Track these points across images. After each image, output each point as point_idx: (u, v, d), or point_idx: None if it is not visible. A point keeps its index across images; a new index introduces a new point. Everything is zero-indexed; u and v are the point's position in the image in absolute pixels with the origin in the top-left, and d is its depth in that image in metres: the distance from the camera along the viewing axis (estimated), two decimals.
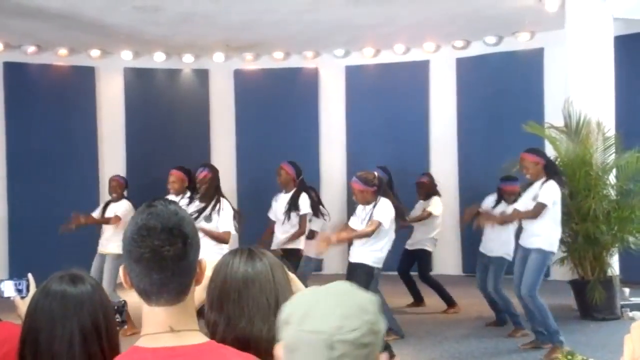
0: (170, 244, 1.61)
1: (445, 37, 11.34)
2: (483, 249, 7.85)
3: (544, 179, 6.80)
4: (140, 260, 1.61)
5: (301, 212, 7.72)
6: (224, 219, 6.83)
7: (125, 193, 8.40)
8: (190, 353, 1.61)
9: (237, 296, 1.97)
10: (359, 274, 6.56)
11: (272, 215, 7.92)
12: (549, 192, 6.76)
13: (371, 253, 6.62)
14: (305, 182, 8.06)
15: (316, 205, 8.14)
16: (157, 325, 1.63)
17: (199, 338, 1.67)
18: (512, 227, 7.59)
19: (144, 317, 1.67)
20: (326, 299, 1.32)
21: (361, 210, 6.75)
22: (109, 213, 8.22)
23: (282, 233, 7.72)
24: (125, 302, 2.31)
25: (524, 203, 6.98)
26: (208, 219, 6.79)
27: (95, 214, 8.31)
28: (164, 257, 1.60)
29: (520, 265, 7.01)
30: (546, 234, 6.86)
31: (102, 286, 2.18)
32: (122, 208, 8.20)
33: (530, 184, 6.99)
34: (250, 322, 1.94)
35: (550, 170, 6.93)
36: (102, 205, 8.45)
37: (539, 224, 6.85)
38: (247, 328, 1.94)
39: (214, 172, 7.17)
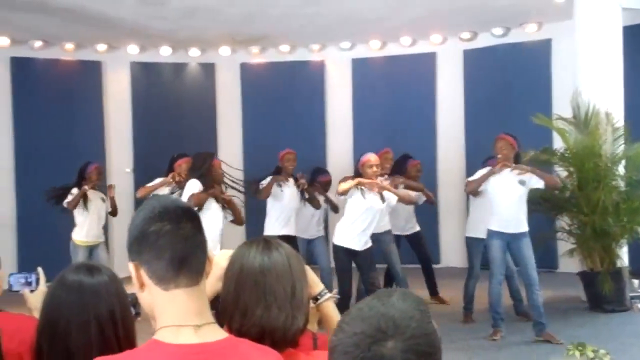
0: (185, 220, 1.64)
1: (452, 28, 11.29)
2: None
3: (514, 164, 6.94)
4: (159, 233, 1.61)
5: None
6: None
7: None
8: (212, 351, 1.59)
9: (254, 284, 1.95)
10: (371, 256, 7.28)
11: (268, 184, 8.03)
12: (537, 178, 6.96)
13: None
14: None
15: None
16: (178, 314, 1.61)
17: (219, 333, 1.66)
18: None
19: (161, 307, 1.64)
20: None
21: (372, 195, 7.08)
22: (95, 200, 8.32)
23: (287, 221, 8.02)
24: None
25: (505, 185, 6.93)
26: None
27: (72, 202, 8.27)
28: (185, 230, 1.63)
29: (503, 252, 7.00)
30: (526, 217, 6.99)
31: (118, 277, 2.17)
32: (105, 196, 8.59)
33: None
34: (267, 311, 1.92)
35: (518, 160, 7.07)
36: (78, 194, 8.26)
37: (524, 209, 6.96)
38: (264, 316, 1.92)
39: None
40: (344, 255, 7.11)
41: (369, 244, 7.17)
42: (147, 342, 1.63)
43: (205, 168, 6.70)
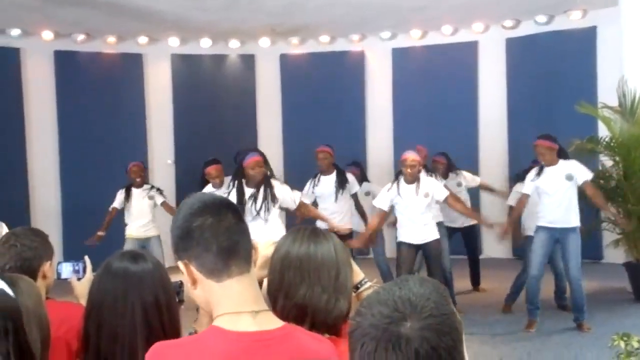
0: (225, 211, 1.67)
1: (494, 16, 11.15)
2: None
3: (559, 160, 6.86)
4: (203, 227, 1.63)
5: (353, 191, 8.15)
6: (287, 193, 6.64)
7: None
8: (270, 339, 1.62)
9: (299, 265, 1.98)
10: (438, 248, 7.19)
11: (307, 199, 7.82)
12: (585, 169, 6.89)
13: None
14: None
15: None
16: (234, 302, 1.63)
17: (275, 321, 1.68)
18: None
19: (216, 298, 1.66)
20: None
21: (410, 189, 7.03)
22: (138, 198, 8.56)
23: (330, 214, 7.83)
24: (182, 282, 2.33)
25: (552, 183, 6.84)
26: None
27: (118, 203, 8.60)
28: (227, 220, 1.65)
29: (546, 247, 6.93)
30: (577, 211, 6.89)
31: (162, 264, 2.20)
32: (156, 191, 8.71)
33: (540, 169, 6.95)
34: (310, 289, 1.95)
35: (563, 155, 6.96)
36: (122, 193, 8.61)
37: (574, 203, 6.86)
38: (307, 296, 1.95)
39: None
40: (405, 249, 7.16)
41: (433, 236, 7.12)
42: (208, 328, 1.65)
43: (239, 172, 6.46)
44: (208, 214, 1.64)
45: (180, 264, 1.68)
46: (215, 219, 1.64)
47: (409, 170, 6.98)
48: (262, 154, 6.62)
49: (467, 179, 8.96)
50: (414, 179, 7.02)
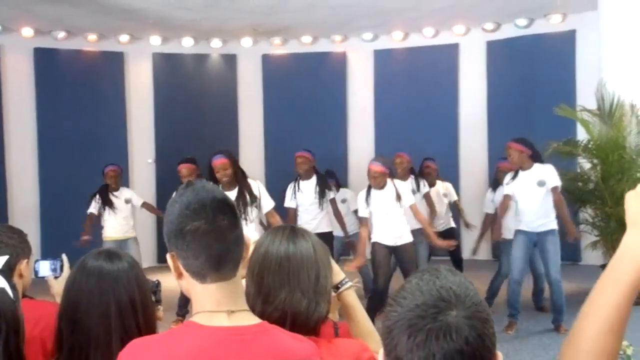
0: (222, 215, 1.62)
1: (475, 19, 11.21)
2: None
3: (533, 165, 6.88)
4: (196, 233, 1.59)
5: (331, 196, 7.96)
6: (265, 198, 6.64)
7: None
8: (245, 334, 1.61)
9: (278, 267, 1.95)
10: (412, 251, 7.17)
11: (293, 204, 7.83)
12: (556, 175, 6.89)
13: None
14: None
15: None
16: (213, 303, 1.62)
17: (252, 319, 1.67)
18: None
19: (197, 296, 1.65)
20: None
21: (380, 195, 7.07)
22: (119, 201, 8.50)
23: (312, 218, 7.76)
24: (159, 282, 2.31)
25: (524, 188, 6.90)
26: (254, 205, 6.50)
27: (94, 208, 8.43)
28: (221, 227, 1.60)
29: (524, 251, 6.96)
30: (554, 215, 6.92)
31: (138, 263, 2.18)
32: (133, 194, 8.73)
33: (516, 172, 7.01)
34: (290, 294, 1.92)
35: (538, 159, 6.97)
36: (97, 198, 8.43)
37: (550, 206, 6.88)
38: (287, 300, 1.92)
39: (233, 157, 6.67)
40: (380, 249, 7.14)
41: (406, 240, 7.14)
42: (184, 322, 1.66)
43: (207, 173, 6.49)
44: (203, 218, 1.59)
45: (168, 256, 1.66)
46: (209, 225, 1.59)
47: (371, 180, 7.06)
48: (229, 156, 6.53)
49: (451, 193, 9.00)
50: (381, 187, 7.07)
